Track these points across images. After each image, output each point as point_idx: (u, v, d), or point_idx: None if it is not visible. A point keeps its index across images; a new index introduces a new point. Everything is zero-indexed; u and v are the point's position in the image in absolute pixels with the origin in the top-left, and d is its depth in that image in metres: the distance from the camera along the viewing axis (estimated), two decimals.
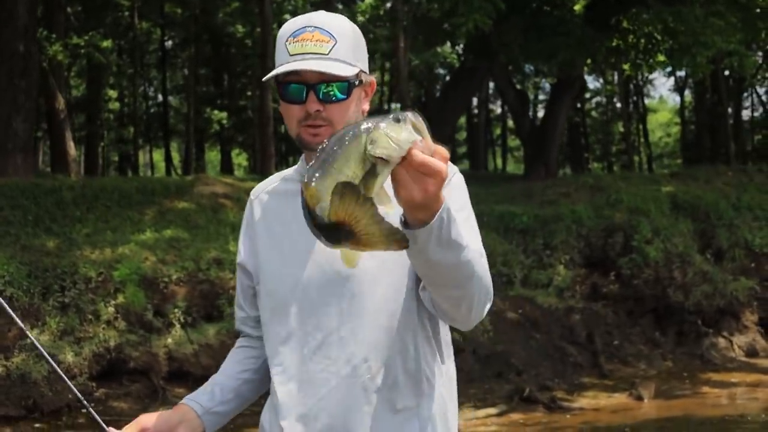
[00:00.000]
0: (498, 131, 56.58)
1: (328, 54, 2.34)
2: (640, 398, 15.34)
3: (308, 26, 2.37)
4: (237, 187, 18.88)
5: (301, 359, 2.51)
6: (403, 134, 1.90)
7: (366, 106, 2.52)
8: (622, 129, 48.26)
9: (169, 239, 15.09)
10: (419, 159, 1.90)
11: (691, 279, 18.36)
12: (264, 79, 2.43)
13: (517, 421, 14.20)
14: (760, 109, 49.05)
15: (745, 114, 49.11)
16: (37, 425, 12.62)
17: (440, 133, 28.81)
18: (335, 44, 2.36)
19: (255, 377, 2.85)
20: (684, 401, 15.53)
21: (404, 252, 2.14)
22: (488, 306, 2.47)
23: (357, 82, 2.41)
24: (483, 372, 15.58)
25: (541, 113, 44.41)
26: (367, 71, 2.50)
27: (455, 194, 2.48)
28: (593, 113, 52.92)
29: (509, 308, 16.73)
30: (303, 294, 2.49)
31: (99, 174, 33.26)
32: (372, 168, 1.90)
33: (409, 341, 2.48)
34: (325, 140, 1.92)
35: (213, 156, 55.87)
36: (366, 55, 2.50)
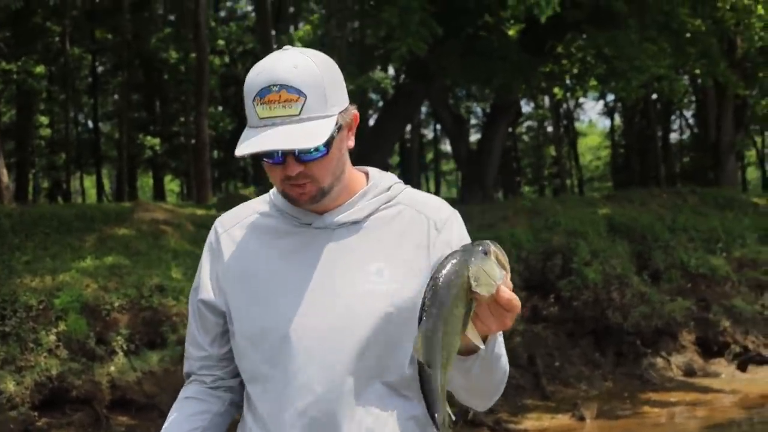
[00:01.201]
0: (430, 156, 56.94)
1: (299, 114, 2.22)
2: (582, 419, 15.53)
3: (273, 85, 2.23)
4: (177, 213, 18.81)
5: (280, 408, 2.37)
6: (496, 270, 1.97)
7: (351, 142, 2.41)
8: (553, 153, 48.91)
9: (111, 266, 14.97)
10: (506, 296, 1.96)
11: (630, 300, 18.65)
12: (237, 155, 2.29)
13: None
14: (688, 132, 49.99)
15: (673, 137, 50.04)
16: None
17: (378, 159, 28.96)
18: (305, 101, 2.22)
19: None
20: (625, 421, 15.75)
21: (403, 311, 2.29)
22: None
23: (335, 133, 2.28)
24: None
25: (473, 137, 44.82)
26: (347, 103, 2.36)
27: (457, 243, 2.35)
28: (524, 137, 53.53)
29: None
30: (293, 344, 2.33)
31: (30, 201, 32.88)
32: (470, 304, 1.98)
33: (396, 393, 2.41)
34: (435, 275, 1.98)
35: (145, 182, 55.46)
36: (342, 88, 2.35)
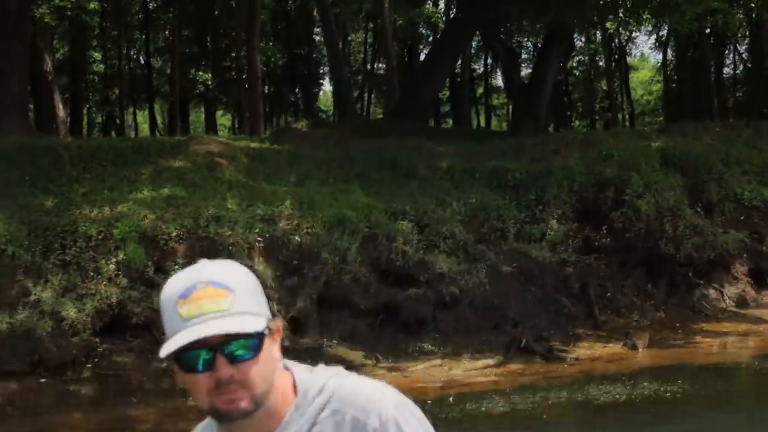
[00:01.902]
0: (480, 90, 56.58)
1: (229, 309, 1.99)
2: (634, 348, 15.57)
3: (198, 283, 2.01)
4: (231, 146, 18.94)
5: None
6: None
7: (278, 354, 2.13)
8: (605, 87, 48.37)
9: (167, 197, 15.15)
10: None
11: (682, 231, 18.55)
12: (162, 354, 1.99)
13: (515, 370, 14.41)
14: (741, 66, 49.20)
15: (726, 71, 49.28)
16: (42, 380, 12.75)
17: (428, 93, 28.90)
18: (234, 296, 2.01)
19: None
20: (677, 350, 15.77)
21: None
22: None
23: (267, 333, 2.05)
24: (480, 324, 15.75)
25: (524, 72, 44.45)
26: (270, 316, 2.11)
27: None
28: (576, 71, 52.98)
29: (504, 261, 16.88)
30: None
31: (84, 135, 33.21)
32: None
33: None
34: None
35: (196, 117, 55.69)
36: (264, 299, 2.13)
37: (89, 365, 13.21)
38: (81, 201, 14.80)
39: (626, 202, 18.57)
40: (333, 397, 2.10)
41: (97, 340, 13.33)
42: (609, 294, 17.80)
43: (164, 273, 13.85)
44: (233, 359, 1.97)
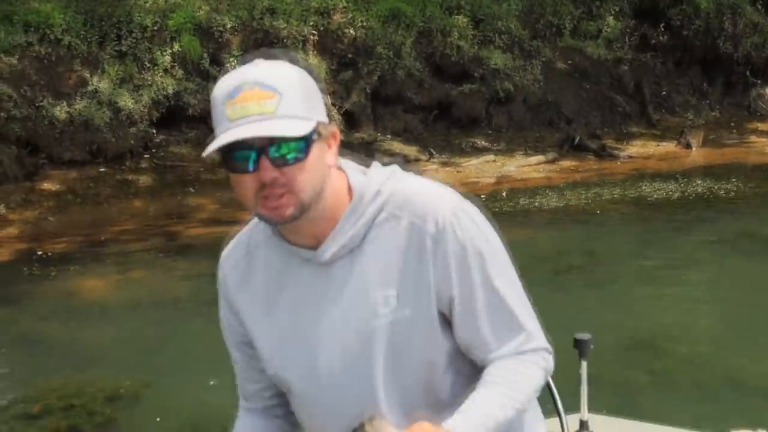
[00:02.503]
0: None
1: (274, 112, 1.90)
2: (688, 146, 15.46)
3: (245, 83, 1.92)
4: None
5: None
6: None
7: (332, 160, 2.04)
8: None
9: None
10: None
11: (741, 30, 18.13)
12: (204, 154, 1.93)
13: (568, 167, 14.39)
14: None
15: None
16: (101, 169, 12.89)
17: None
18: (281, 98, 1.91)
19: None
20: (731, 149, 15.66)
21: (418, 338, 2.02)
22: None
23: (315, 137, 1.95)
24: (534, 121, 15.67)
25: None
26: (326, 120, 2.02)
27: (465, 252, 2.04)
28: None
29: (559, 58, 16.65)
30: (308, 399, 2.16)
31: None
32: None
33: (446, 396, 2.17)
34: None
35: None
36: (321, 102, 2.03)
37: (147, 156, 13.33)
38: None
39: None
40: (389, 200, 2.05)
41: (153, 131, 13.41)
42: (664, 93, 17.58)
43: (219, 65, 13.79)
44: (278, 162, 1.90)
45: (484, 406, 1.98)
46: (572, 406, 3.40)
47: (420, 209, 2.02)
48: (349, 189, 2.06)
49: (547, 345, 2.08)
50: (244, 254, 2.17)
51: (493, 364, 2.04)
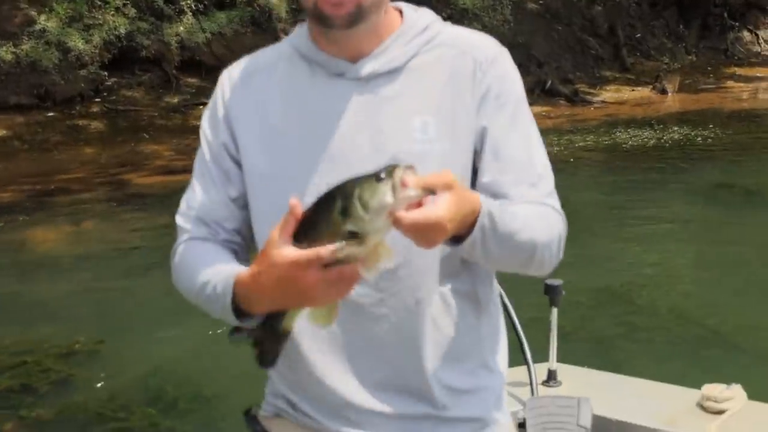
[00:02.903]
0: None
1: None
2: (663, 92, 15.57)
3: None
4: None
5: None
6: (375, 200, 1.64)
7: None
8: None
9: None
10: (407, 223, 1.65)
11: None
12: None
13: (539, 113, 14.42)
14: None
15: None
16: (49, 114, 12.77)
17: None
18: None
19: None
20: (707, 95, 15.78)
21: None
22: (561, 247, 2.08)
23: None
24: None
25: None
26: None
27: (504, 88, 2.03)
28: None
29: None
30: None
31: None
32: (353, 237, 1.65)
33: (459, 265, 2.11)
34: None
35: None
36: None
37: (97, 100, 13.23)
38: None
39: None
40: (437, 36, 2.05)
41: (105, 73, 13.29)
42: (638, 35, 17.68)
43: (174, 4, 13.68)
44: None
45: (512, 209, 1.93)
46: (542, 358, 3.47)
47: (468, 42, 2.05)
48: (401, 17, 2.08)
49: (562, 212, 2.06)
50: (251, 71, 2.14)
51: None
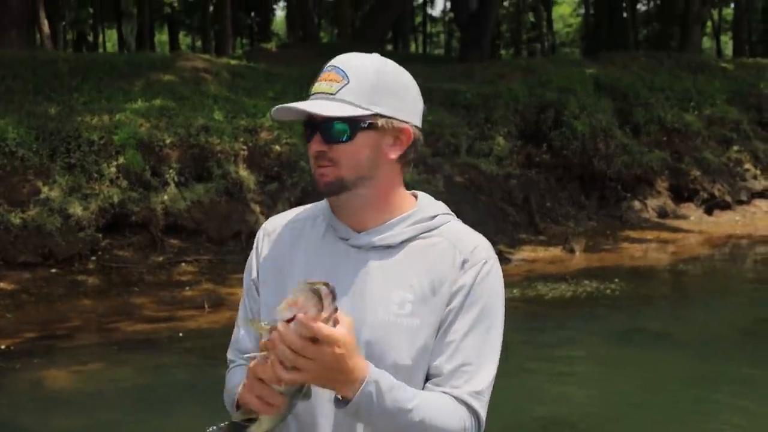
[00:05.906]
0: (419, 19, 56.54)
1: (334, 94, 1.98)
2: (572, 251, 16.02)
3: (331, 66, 2.04)
4: (214, 63, 18.84)
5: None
6: (281, 305, 1.72)
7: (394, 155, 2.06)
8: (532, 19, 48.58)
9: (159, 108, 15.11)
10: (284, 336, 1.72)
11: (613, 150, 19.00)
12: (271, 116, 2.08)
13: None
14: (653, 3, 49.71)
15: (639, 6, 49.75)
16: (52, 270, 12.80)
17: (386, 19, 28.82)
18: (346, 84, 1.99)
19: None
20: (607, 254, 16.26)
21: (413, 353, 1.98)
22: None
23: (365, 125, 1.99)
24: None
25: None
26: (402, 118, 2.05)
27: (477, 291, 2.06)
28: (505, 4, 53.16)
29: (458, 173, 17.16)
30: None
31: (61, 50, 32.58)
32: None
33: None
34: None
35: (159, 38, 54.78)
36: (399, 101, 2.05)
37: (94, 258, 13.28)
38: (81, 109, 14.71)
39: (564, 122, 18.92)
40: (441, 226, 2.09)
41: (100, 235, 13.37)
42: (548, 204, 18.22)
43: (159, 176, 13.91)
44: (327, 138, 1.99)
45: (408, 390, 1.91)
46: None
47: (464, 240, 2.08)
48: (416, 204, 2.13)
49: (482, 415, 2.01)
50: (288, 221, 2.20)
51: (434, 387, 2.00)
